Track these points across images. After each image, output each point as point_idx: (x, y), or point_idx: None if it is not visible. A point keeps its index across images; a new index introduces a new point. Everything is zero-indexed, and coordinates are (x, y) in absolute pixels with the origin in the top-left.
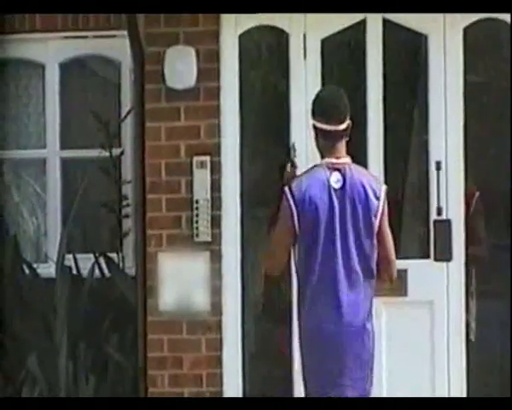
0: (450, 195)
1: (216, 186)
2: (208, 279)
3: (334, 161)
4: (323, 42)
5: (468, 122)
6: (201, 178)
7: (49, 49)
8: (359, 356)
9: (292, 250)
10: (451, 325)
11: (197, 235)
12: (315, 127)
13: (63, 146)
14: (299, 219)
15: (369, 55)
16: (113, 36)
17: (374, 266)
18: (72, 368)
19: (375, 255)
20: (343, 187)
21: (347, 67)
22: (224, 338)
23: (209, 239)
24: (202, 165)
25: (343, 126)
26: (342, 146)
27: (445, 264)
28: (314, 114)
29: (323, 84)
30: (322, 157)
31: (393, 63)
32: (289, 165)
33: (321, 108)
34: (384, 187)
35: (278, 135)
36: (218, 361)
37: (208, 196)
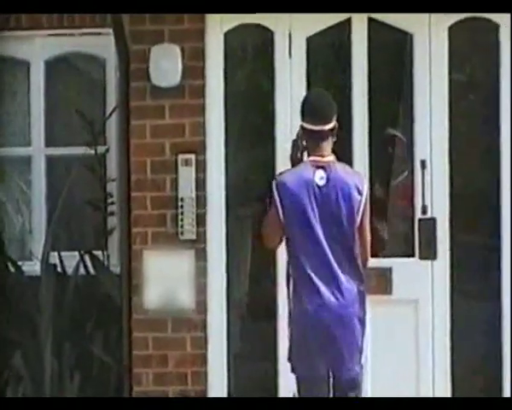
0: (434, 193)
1: (201, 184)
2: (193, 277)
3: (318, 159)
4: (309, 40)
5: (453, 121)
6: (186, 176)
7: (35, 47)
8: (347, 337)
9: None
10: (436, 324)
11: (182, 233)
12: (303, 128)
13: (48, 144)
14: (283, 212)
15: (354, 54)
16: (99, 34)
17: (356, 255)
18: (57, 366)
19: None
20: (327, 184)
21: (332, 66)
22: (208, 336)
23: (194, 237)
24: (187, 163)
25: (328, 127)
26: (328, 145)
27: (429, 262)
28: (302, 116)
29: (308, 82)
30: (309, 155)
31: (378, 62)
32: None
33: (307, 110)
34: (367, 183)
35: (263, 133)
36: (203, 359)
37: (193, 194)
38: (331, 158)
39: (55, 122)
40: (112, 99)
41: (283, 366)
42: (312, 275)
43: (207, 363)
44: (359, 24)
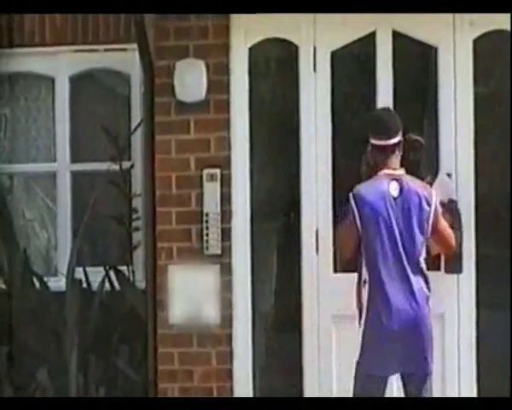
0: (460, 206)
1: (226, 199)
2: (218, 292)
3: (391, 172)
4: (333, 54)
5: (478, 133)
6: (211, 191)
7: (59, 63)
8: (421, 338)
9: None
10: (462, 338)
11: (207, 248)
12: (372, 144)
13: (73, 159)
14: (361, 221)
15: (378, 68)
16: (123, 49)
17: (423, 260)
18: (83, 381)
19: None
20: (400, 195)
21: (357, 80)
22: (234, 351)
23: (219, 252)
24: (212, 178)
25: (396, 140)
26: (397, 159)
27: (455, 276)
28: (370, 133)
29: (333, 96)
30: (378, 170)
31: (403, 75)
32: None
33: (377, 126)
34: (435, 195)
35: (288, 148)
36: (229, 374)
37: (218, 209)
38: (402, 171)
39: (80, 138)
40: (136, 114)
41: (309, 378)
42: (388, 281)
43: (233, 378)
44: (384, 37)
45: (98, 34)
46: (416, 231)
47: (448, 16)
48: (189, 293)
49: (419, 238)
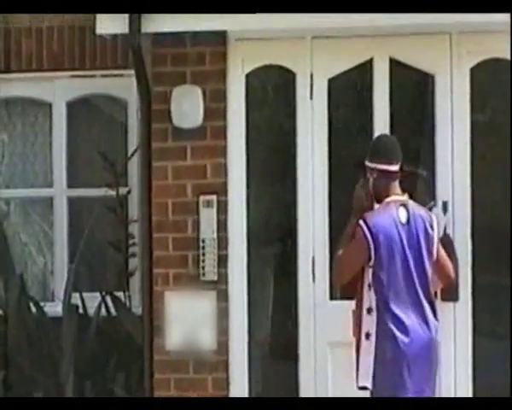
0: (456, 235)
1: (222, 225)
2: (215, 319)
3: (398, 198)
4: (330, 81)
5: (475, 162)
6: (208, 217)
7: (56, 88)
8: (433, 364)
9: (365, 272)
10: (458, 366)
11: (203, 274)
12: (375, 169)
13: (70, 185)
14: (375, 249)
15: (375, 95)
16: (120, 75)
17: (431, 284)
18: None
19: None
20: (408, 221)
21: (354, 107)
22: (230, 378)
23: (215, 278)
24: (209, 204)
25: (397, 167)
26: (398, 184)
27: (451, 304)
28: (375, 158)
29: (330, 123)
30: (380, 196)
31: (400, 103)
32: (362, 182)
33: (381, 151)
34: (436, 219)
35: (284, 174)
36: None
37: (215, 236)
38: (406, 197)
39: (76, 163)
40: (133, 140)
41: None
42: (401, 307)
43: None
44: (381, 65)
45: (95, 60)
46: (426, 256)
47: (445, 44)
48: (186, 319)
49: (428, 264)
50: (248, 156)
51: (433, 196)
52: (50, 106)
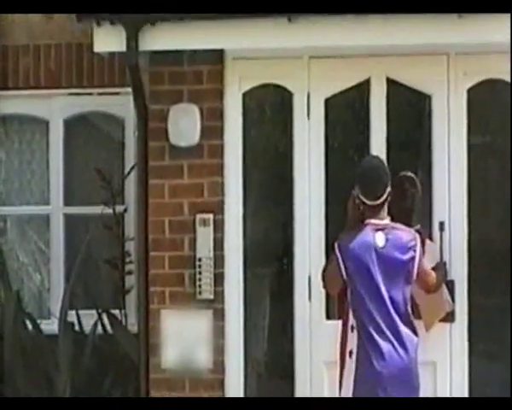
0: (453, 255)
1: (219, 244)
2: (211, 337)
3: (377, 222)
4: (327, 101)
5: (472, 182)
6: (204, 235)
7: (54, 106)
8: (413, 389)
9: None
10: (454, 387)
11: (200, 293)
12: (359, 198)
13: (67, 202)
14: (346, 272)
15: (372, 115)
16: (117, 93)
17: (409, 309)
18: None
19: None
20: (385, 245)
21: (351, 127)
22: (226, 396)
23: (212, 297)
24: (205, 223)
25: (383, 199)
26: (385, 209)
27: (447, 325)
28: (359, 189)
29: (326, 143)
30: (364, 218)
31: (397, 123)
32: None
33: (366, 186)
34: (418, 238)
35: (281, 193)
36: None
37: (211, 254)
38: (387, 220)
39: (73, 181)
40: (130, 158)
41: None
42: (375, 329)
43: None
44: (378, 85)
45: (92, 77)
46: (402, 280)
47: (442, 65)
48: (182, 338)
49: (406, 287)
50: (245, 175)
51: (422, 217)
52: (47, 123)
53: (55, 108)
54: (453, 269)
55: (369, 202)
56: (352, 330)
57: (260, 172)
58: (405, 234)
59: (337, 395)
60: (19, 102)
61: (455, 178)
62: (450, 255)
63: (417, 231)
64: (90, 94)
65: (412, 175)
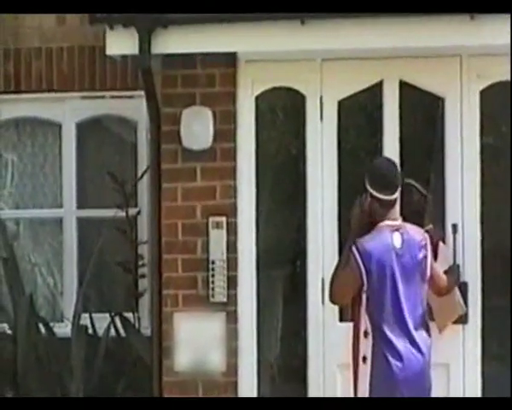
0: (466, 257)
1: (232, 247)
2: (224, 340)
3: (393, 223)
4: (340, 104)
5: (485, 184)
6: (217, 238)
7: (66, 109)
8: (425, 392)
9: (360, 297)
10: (467, 388)
11: (213, 295)
12: (372, 196)
13: (80, 206)
14: (367, 276)
15: (385, 118)
16: (130, 96)
17: (425, 309)
18: None
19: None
20: (402, 246)
21: (364, 129)
22: (236, 397)
23: (225, 300)
24: (218, 225)
25: (396, 196)
26: (397, 208)
27: (460, 326)
28: (374, 185)
29: (339, 145)
30: (376, 220)
31: (410, 125)
32: (360, 200)
33: (379, 180)
34: (427, 236)
35: (294, 196)
36: None
37: (224, 257)
38: (400, 220)
39: (86, 184)
40: (143, 161)
41: None
42: (392, 332)
43: None
44: (391, 87)
45: (105, 81)
46: (419, 280)
47: (455, 67)
48: (195, 340)
49: (422, 287)
50: (258, 178)
51: (434, 218)
52: (60, 127)
53: (68, 111)
54: (466, 271)
55: (384, 197)
56: (366, 336)
57: (273, 174)
58: (417, 233)
59: None
60: (31, 106)
61: (468, 180)
62: (463, 257)
63: (427, 231)
64: (103, 97)
65: (412, 182)
